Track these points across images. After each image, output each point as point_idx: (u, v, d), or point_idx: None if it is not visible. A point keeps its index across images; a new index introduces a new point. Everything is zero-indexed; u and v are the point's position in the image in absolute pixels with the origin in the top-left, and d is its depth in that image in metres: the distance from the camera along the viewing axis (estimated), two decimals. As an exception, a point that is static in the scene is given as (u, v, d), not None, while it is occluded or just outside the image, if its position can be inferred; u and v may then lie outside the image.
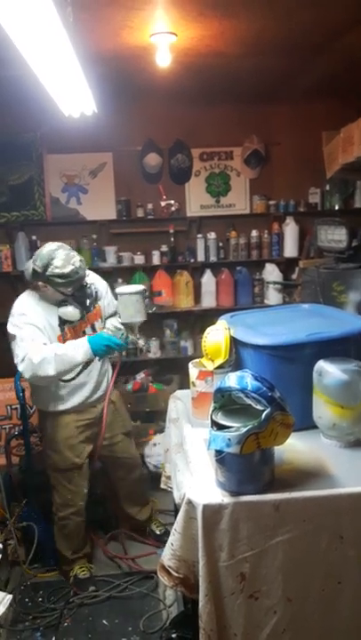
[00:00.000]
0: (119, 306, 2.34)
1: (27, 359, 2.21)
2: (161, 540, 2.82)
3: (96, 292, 2.50)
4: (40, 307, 2.38)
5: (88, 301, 2.44)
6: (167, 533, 2.61)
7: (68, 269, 2.26)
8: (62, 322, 2.40)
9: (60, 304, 2.38)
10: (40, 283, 2.34)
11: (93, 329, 2.54)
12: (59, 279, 2.27)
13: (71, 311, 2.38)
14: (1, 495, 2.63)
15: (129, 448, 2.83)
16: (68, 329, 2.42)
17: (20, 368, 2.26)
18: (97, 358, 2.41)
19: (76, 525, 2.63)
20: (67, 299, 2.37)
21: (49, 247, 2.32)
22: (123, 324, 2.36)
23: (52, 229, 4.20)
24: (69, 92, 2.55)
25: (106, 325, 2.51)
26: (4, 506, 2.61)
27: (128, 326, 2.36)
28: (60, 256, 2.28)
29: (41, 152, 4.10)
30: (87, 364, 2.41)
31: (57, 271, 2.25)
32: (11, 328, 2.32)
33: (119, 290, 2.34)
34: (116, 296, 2.44)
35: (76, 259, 2.32)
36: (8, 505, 2.73)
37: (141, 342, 2.44)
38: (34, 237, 4.15)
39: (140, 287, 2.34)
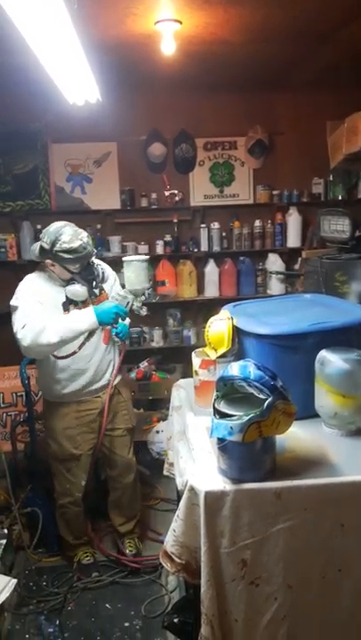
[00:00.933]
0: (126, 273, 2.37)
1: (27, 326, 2.18)
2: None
3: (103, 273, 2.47)
4: (47, 287, 2.37)
5: (95, 282, 2.42)
6: (138, 554, 2.74)
7: (75, 244, 2.26)
8: (68, 302, 2.38)
9: (67, 283, 2.37)
10: (48, 261, 2.33)
11: None
12: (66, 254, 2.26)
13: (79, 289, 2.36)
14: (6, 481, 2.66)
15: (127, 447, 2.74)
16: (73, 310, 2.39)
17: (20, 335, 2.20)
18: (100, 330, 2.43)
19: (74, 514, 2.65)
20: (74, 277, 2.35)
21: (56, 225, 2.32)
22: (128, 291, 2.40)
23: (56, 218, 4.08)
24: (74, 80, 2.54)
25: (111, 295, 2.49)
26: (9, 491, 2.64)
27: (133, 294, 2.41)
28: (67, 232, 2.28)
29: (46, 141, 4.09)
30: (90, 334, 2.40)
31: (65, 246, 2.25)
32: (13, 301, 2.30)
33: (126, 258, 2.40)
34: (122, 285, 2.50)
35: (84, 234, 2.32)
36: (13, 491, 2.76)
37: (144, 311, 2.46)
38: (39, 226, 4.14)
39: (143, 256, 2.43)
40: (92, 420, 2.55)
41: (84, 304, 2.40)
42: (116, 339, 2.55)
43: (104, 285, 2.52)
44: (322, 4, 2.57)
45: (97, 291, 2.45)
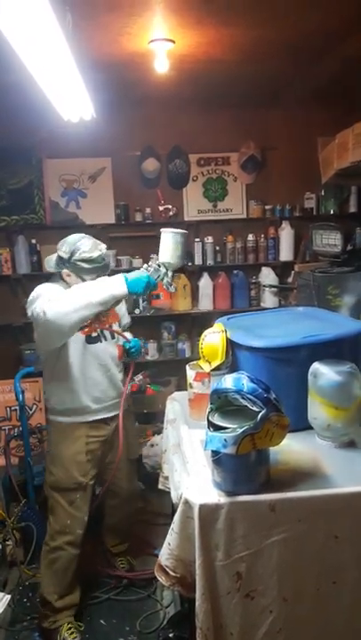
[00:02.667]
0: (164, 244, 2.21)
1: (54, 298, 2.05)
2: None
3: None
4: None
5: None
6: (132, 570, 2.70)
7: (95, 254, 2.25)
8: None
9: None
10: (64, 271, 2.28)
11: (111, 333, 2.43)
12: (85, 264, 2.23)
13: None
14: (0, 496, 2.64)
15: (131, 481, 2.68)
16: (88, 325, 2.29)
17: (45, 306, 1.99)
18: (113, 342, 2.40)
19: (68, 559, 2.35)
20: None
21: (75, 235, 2.30)
22: (162, 263, 2.21)
23: (51, 233, 4.21)
24: (68, 97, 2.57)
25: (143, 266, 2.23)
26: (3, 506, 2.61)
27: (166, 267, 2.22)
28: (86, 242, 2.26)
29: (40, 157, 4.13)
30: (117, 302, 2.23)
31: (85, 255, 2.23)
32: (33, 294, 2.16)
33: (166, 229, 2.23)
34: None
35: (103, 246, 2.31)
36: (7, 505, 2.74)
37: (173, 287, 2.34)
38: (33, 241, 4.18)
39: (183, 231, 2.24)
40: (97, 448, 2.41)
41: (96, 320, 2.32)
42: (127, 358, 2.51)
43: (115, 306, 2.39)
44: (313, 23, 2.63)
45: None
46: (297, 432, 1.68)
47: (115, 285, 2.08)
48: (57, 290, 2.17)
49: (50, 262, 2.34)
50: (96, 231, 4.22)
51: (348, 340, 1.79)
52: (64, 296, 2.07)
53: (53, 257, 2.32)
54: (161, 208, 4.31)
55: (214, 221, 4.44)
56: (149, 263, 2.22)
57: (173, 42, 2.79)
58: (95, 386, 2.37)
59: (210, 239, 4.36)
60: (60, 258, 2.27)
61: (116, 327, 2.49)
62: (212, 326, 1.98)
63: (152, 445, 3.65)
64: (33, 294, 2.18)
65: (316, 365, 1.64)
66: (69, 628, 2.33)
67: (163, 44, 2.78)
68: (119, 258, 4.28)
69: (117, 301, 2.21)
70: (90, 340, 2.35)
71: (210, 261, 4.37)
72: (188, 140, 4.31)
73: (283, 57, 3.14)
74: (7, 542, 2.76)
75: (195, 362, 1.96)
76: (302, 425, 1.69)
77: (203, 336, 1.93)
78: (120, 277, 2.10)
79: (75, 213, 4.29)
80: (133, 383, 4.10)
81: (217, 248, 4.39)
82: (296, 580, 1.41)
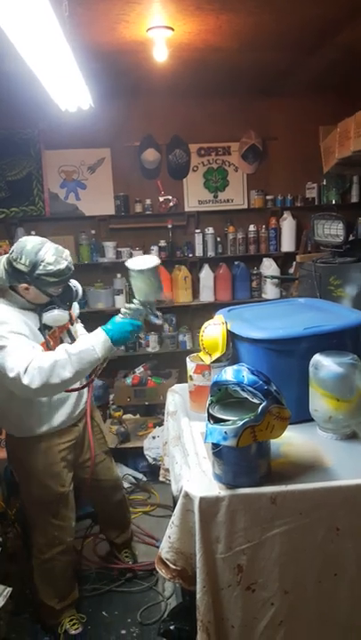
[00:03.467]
0: (137, 283, 2.00)
1: (32, 367, 1.80)
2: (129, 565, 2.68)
3: (76, 291, 2.16)
4: (16, 317, 1.96)
5: (70, 303, 2.13)
6: (135, 562, 2.67)
7: (62, 265, 1.93)
8: (43, 327, 2.04)
9: (42, 308, 2.02)
10: (22, 285, 1.94)
11: (70, 334, 2.20)
12: (51, 278, 1.92)
13: (61, 315, 2.03)
14: (1, 488, 2.63)
15: (111, 470, 2.55)
16: (50, 335, 2.06)
17: (26, 380, 1.79)
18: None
19: (63, 566, 2.27)
20: (54, 300, 2.02)
21: (33, 242, 1.94)
22: (141, 302, 2.03)
23: (50, 225, 4.21)
24: (65, 87, 2.54)
25: (121, 310, 2.05)
26: (4, 499, 2.61)
27: (147, 304, 2.05)
28: (50, 251, 1.92)
29: (39, 148, 4.09)
30: (105, 360, 2.03)
31: (50, 268, 1.90)
32: None
33: (135, 265, 1.96)
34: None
35: (66, 252, 1.99)
36: (8, 498, 2.74)
37: (159, 321, 2.16)
38: (33, 233, 4.14)
39: (155, 259, 2.00)
40: (69, 452, 2.24)
41: (53, 330, 2.10)
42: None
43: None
44: (313, 10, 2.59)
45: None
46: (298, 424, 1.67)
47: (99, 346, 1.91)
48: (23, 343, 1.87)
49: (1, 272, 1.95)
50: (96, 222, 4.24)
51: (350, 332, 1.77)
52: (47, 365, 1.82)
53: (2, 267, 1.95)
54: (161, 199, 4.28)
55: (215, 212, 4.41)
56: (127, 306, 2.04)
57: (172, 29, 2.75)
58: (63, 403, 2.16)
59: (210, 230, 4.33)
60: (15, 271, 1.92)
61: (73, 329, 2.25)
62: (212, 318, 1.96)
63: (153, 437, 3.65)
64: None
65: (317, 357, 1.63)
66: (71, 620, 2.33)
67: (161, 31, 2.74)
68: (119, 249, 4.26)
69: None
70: None
71: (210, 252, 4.35)
72: (188, 130, 4.27)
73: (283, 45, 3.09)
74: (8, 534, 2.76)
75: (195, 354, 1.95)
76: (303, 417, 1.68)
77: (203, 328, 1.91)
78: (101, 335, 1.93)
79: (74, 205, 4.27)
80: (135, 375, 4.09)
81: (218, 239, 4.37)
82: (297, 572, 1.41)
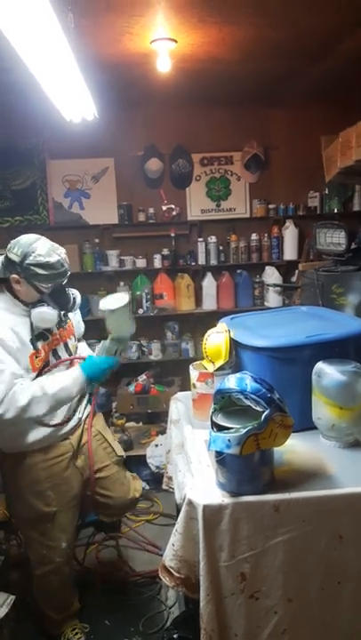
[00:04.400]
0: (111, 322, 2.03)
1: (8, 399, 1.80)
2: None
3: (74, 299, 2.10)
4: (6, 316, 1.93)
5: (66, 308, 2.07)
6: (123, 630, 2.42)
7: (53, 258, 1.90)
8: (36, 337, 1.98)
9: (33, 306, 1.96)
10: (13, 276, 1.92)
11: (67, 348, 2.14)
12: (40, 269, 1.88)
13: (48, 312, 1.95)
14: (3, 496, 2.63)
15: (124, 486, 2.34)
16: (43, 346, 2.00)
17: (0, 409, 1.80)
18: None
19: (58, 582, 2.20)
20: (43, 298, 1.97)
21: (29, 236, 1.96)
22: (115, 338, 2.06)
23: (54, 233, 4.17)
24: (70, 98, 2.58)
25: (96, 349, 2.09)
26: (7, 507, 2.60)
27: (120, 340, 2.09)
28: (43, 244, 1.93)
29: (43, 158, 4.13)
30: (82, 396, 2.10)
31: (40, 259, 1.88)
32: None
33: (107, 305, 1.99)
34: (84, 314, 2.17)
35: (62, 250, 1.98)
36: (11, 506, 2.74)
37: (135, 355, 2.21)
38: (36, 241, 4.18)
39: (126, 297, 2.05)
40: (63, 469, 2.10)
41: (48, 342, 2.04)
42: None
43: (70, 314, 2.18)
44: (314, 21, 2.62)
45: (66, 319, 2.13)
46: (301, 432, 1.68)
47: (74, 384, 1.96)
48: (7, 367, 1.83)
49: None
50: (99, 231, 4.26)
51: (353, 340, 1.78)
52: (22, 402, 1.81)
53: (1, 258, 1.97)
54: (164, 208, 4.31)
55: (218, 221, 4.43)
56: (102, 343, 2.07)
57: (175, 41, 2.79)
58: (50, 417, 2.06)
59: (213, 239, 4.35)
60: (9, 261, 1.92)
61: (72, 343, 2.19)
62: (215, 326, 1.97)
63: (156, 445, 3.65)
64: None
65: (320, 365, 1.64)
66: (73, 629, 2.31)
67: (165, 43, 2.77)
68: (123, 258, 4.28)
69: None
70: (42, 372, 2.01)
71: (213, 261, 4.37)
72: (191, 140, 4.31)
73: (284, 55, 3.13)
74: (11, 543, 2.76)
75: (198, 362, 1.96)
76: (307, 425, 1.69)
77: (206, 336, 1.93)
78: (78, 372, 1.97)
79: (78, 214, 4.30)
80: (137, 383, 4.10)
81: (220, 247, 4.38)
82: (301, 580, 1.41)
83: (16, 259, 1.90)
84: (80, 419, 2.19)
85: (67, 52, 1.98)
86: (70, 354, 2.15)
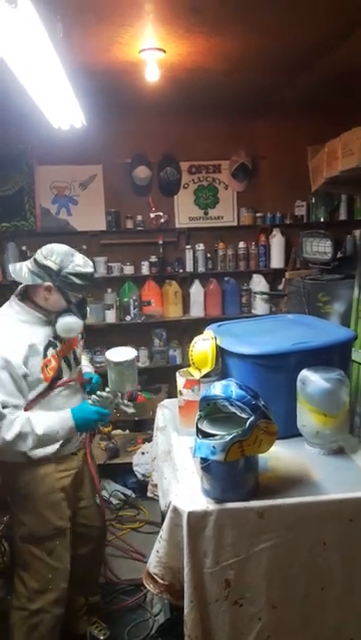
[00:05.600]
0: (112, 374, 1.98)
1: (1, 427, 1.77)
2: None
3: (87, 310, 2.14)
4: (24, 329, 1.90)
5: (86, 317, 2.08)
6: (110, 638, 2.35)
7: (89, 269, 1.95)
8: (48, 344, 1.95)
9: (58, 315, 1.95)
10: (45, 284, 1.90)
11: (75, 356, 2.12)
12: (78, 279, 1.90)
13: (75, 322, 1.96)
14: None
15: (100, 515, 2.28)
16: (52, 355, 1.96)
17: None
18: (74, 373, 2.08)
19: (53, 622, 2.01)
20: (71, 308, 1.97)
21: (62, 246, 1.96)
22: (113, 391, 1.99)
23: (42, 240, 4.13)
24: (58, 105, 2.59)
25: (92, 398, 2.00)
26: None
27: (118, 394, 2.01)
28: (79, 255, 1.96)
29: (31, 164, 4.12)
30: (69, 364, 2.05)
31: (79, 269, 1.91)
32: None
33: (112, 357, 1.96)
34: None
35: (91, 263, 2.02)
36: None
37: (130, 409, 2.09)
38: (24, 248, 4.18)
39: (133, 352, 2.00)
40: (69, 484, 2.06)
41: (57, 350, 1.99)
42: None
43: None
44: (300, 33, 2.66)
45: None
46: (286, 439, 1.69)
47: (62, 428, 1.89)
48: (8, 393, 1.80)
49: (21, 271, 1.93)
50: (87, 238, 4.26)
51: (337, 348, 1.81)
52: (8, 435, 1.77)
53: (24, 265, 1.94)
54: (152, 215, 4.32)
55: (205, 228, 4.46)
56: (99, 394, 1.99)
57: (164, 51, 2.81)
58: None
59: (201, 246, 4.38)
60: (44, 268, 1.89)
61: (78, 351, 2.17)
62: (202, 333, 1.99)
63: (143, 453, 3.64)
64: None
65: (304, 372, 1.65)
66: None
67: (153, 53, 2.80)
68: (110, 264, 4.28)
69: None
70: (54, 384, 1.98)
71: (201, 268, 4.39)
72: (179, 148, 4.34)
73: (271, 66, 3.17)
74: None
75: (185, 369, 1.96)
76: (291, 432, 1.70)
77: (193, 343, 1.94)
78: (69, 422, 1.91)
79: (66, 220, 4.30)
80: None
81: (208, 255, 4.41)
82: (284, 586, 1.42)
83: (54, 266, 1.89)
84: (84, 435, 2.14)
85: (55, 61, 1.99)
86: (78, 363, 2.14)
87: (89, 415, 1.94)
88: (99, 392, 2.01)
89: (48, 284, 1.90)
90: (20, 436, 1.80)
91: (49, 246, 1.97)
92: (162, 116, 4.15)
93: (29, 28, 1.67)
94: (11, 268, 1.98)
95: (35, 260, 1.93)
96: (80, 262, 1.94)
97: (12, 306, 1.95)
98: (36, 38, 1.76)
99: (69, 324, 1.94)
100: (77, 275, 1.91)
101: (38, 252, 1.95)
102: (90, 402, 1.98)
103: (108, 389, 2.00)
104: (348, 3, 2.31)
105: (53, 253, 1.92)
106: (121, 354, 1.98)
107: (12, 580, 2.12)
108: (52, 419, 1.89)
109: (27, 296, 1.97)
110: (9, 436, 1.77)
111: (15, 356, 1.82)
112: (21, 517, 2.00)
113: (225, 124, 4.30)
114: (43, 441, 1.86)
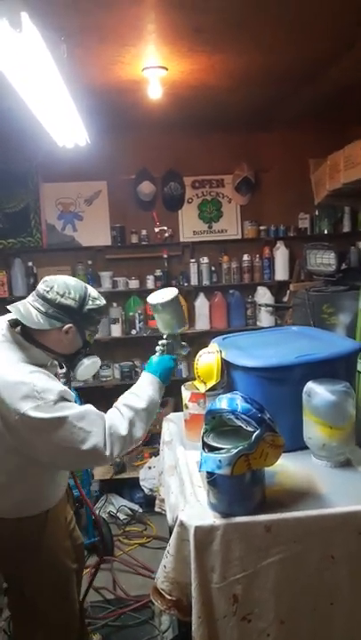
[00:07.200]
0: (164, 317, 1.92)
1: (110, 436, 1.60)
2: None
3: None
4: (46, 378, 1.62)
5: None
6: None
7: (104, 301, 1.79)
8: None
9: (69, 361, 1.77)
10: (67, 327, 1.68)
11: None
12: (97, 315, 1.75)
13: (96, 362, 1.81)
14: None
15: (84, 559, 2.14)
16: None
17: (107, 451, 1.59)
18: None
19: None
20: (89, 347, 1.80)
21: (66, 279, 1.73)
22: (168, 336, 1.95)
23: (48, 255, 4.27)
24: (63, 124, 2.63)
25: (156, 349, 1.94)
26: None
27: (174, 336, 1.98)
28: (89, 287, 1.77)
29: (37, 181, 4.18)
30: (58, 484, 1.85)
31: (98, 302, 1.74)
32: (45, 411, 1.51)
33: (157, 300, 1.88)
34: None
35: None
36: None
37: (187, 349, 2.05)
38: (30, 264, 4.22)
39: (174, 290, 1.93)
40: (69, 520, 1.97)
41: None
42: None
43: None
44: (301, 48, 2.70)
45: None
46: (292, 452, 1.68)
47: (155, 390, 1.79)
48: (83, 407, 1.62)
49: (31, 316, 1.64)
50: (92, 253, 4.30)
51: (343, 360, 1.80)
52: (122, 428, 1.64)
53: (29, 307, 1.67)
54: (157, 230, 4.36)
55: (210, 242, 4.48)
56: (160, 342, 1.95)
57: (166, 69, 2.86)
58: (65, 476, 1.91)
59: (205, 260, 4.40)
60: (62, 308, 1.66)
61: None
62: (207, 346, 1.99)
63: (149, 468, 3.63)
64: (40, 401, 1.52)
65: (310, 385, 1.65)
66: None
67: (156, 71, 2.84)
68: (115, 279, 4.31)
69: None
70: None
71: (206, 281, 4.41)
72: (183, 163, 4.38)
73: (273, 81, 3.21)
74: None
75: (190, 382, 1.97)
76: (297, 445, 1.69)
77: (198, 356, 1.94)
78: (150, 378, 1.82)
79: (71, 236, 4.34)
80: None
81: (212, 268, 4.43)
82: (293, 601, 1.40)
83: (74, 305, 1.68)
84: None
85: (59, 81, 2.04)
86: None
87: (165, 364, 1.86)
88: (159, 342, 1.94)
89: (69, 325, 1.68)
90: (131, 423, 1.66)
91: (59, 281, 1.71)
92: (165, 132, 4.20)
93: (34, 49, 1.71)
94: (13, 310, 1.66)
95: (46, 300, 1.67)
96: (95, 295, 1.76)
97: (17, 350, 1.65)
98: (40, 59, 1.80)
99: (94, 364, 1.80)
100: (98, 310, 1.75)
101: (46, 288, 1.69)
102: (156, 355, 1.91)
103: (165, 336, 1.95)
104: (349, 16, 2.33)
105: (70, 289, 1.69)
106: (165, 294, 1.90)
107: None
108: (141, 389, 1.79)
109: (32, 340, 1.68)
110: (122, 428, 1.63)
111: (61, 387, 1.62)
112: (39, 571, 1.77)
113: (227, 138, 4.34)
114: (150, 412, 1.74)
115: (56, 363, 1.83)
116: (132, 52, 2.61)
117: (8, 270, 4.20)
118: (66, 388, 1.64)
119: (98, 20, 2.23)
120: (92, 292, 1.76)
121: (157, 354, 1.92)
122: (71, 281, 1.73)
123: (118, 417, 1.66)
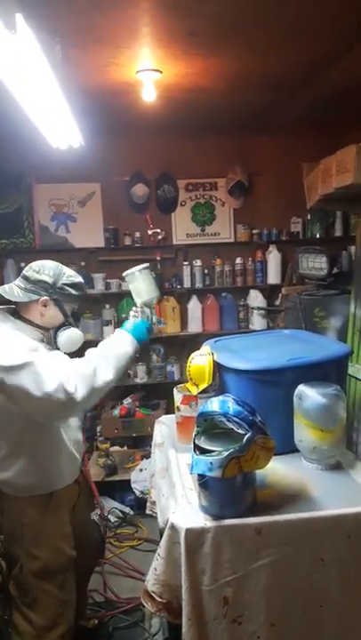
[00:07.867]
0: (137, 286, 2.11)
1: (74, 376, 1.70)
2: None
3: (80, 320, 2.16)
4: (27, 341, 1.81)
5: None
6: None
7: (80, 279, 1.98)
8: None
9: (57, 330, 1.93)
10: (43, 299, 1.87)
11: None
12: (73, 290, 1.92)
13: (78, 334, 1.95)
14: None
15: (94, 531, 2.30)
16: None
17: (70, 388, 1.67)
18: None
19: None
20: (69, 320, 1.96)
21: (48, 261, 1.97)
22: (142, 304, 2.09)
23: (40, 256, 4.11)
24: (56, 126, 2.63)
25: (130, 314, 2.09)
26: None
27: (148, 305, 2.11)
28: (65, 267, 1.98)
29: (30, 182, 4.17)
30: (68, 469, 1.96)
31: (72, 279, 1.93)
32: (16, 358, 1.67)
33: (131, 270, 2.11)
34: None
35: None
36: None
37: (163, 323, 2.20)
38: (22, 264, 4.16)
39: (144, 264, 2.15)
40: (72, 508, 2.04)
41: None
42: None
43: None
44: (296, 53, 2.71)
45: None
46: (283, 455, 1.69)
47: (126, 343, 1.91)
48: (51, 355, 1.78)
49: (12, 291, 1.87)
50: (85, 254, 4.29)
51: (334, 363, 1.82)
52: (88, 371, 1.74)
53: (13, 285, 1.90)
54: (150, 232, 4.36)
55: (203, 245, 4.49)
56: (134, 309, 2.10)
57: (160, 72, 2.87)
58: (79, 443, 2.04)
59: (198, 262, 4.41)
60: (38, 283, 1.87)
61: None
62: (200, 349, 1.99)
63: (141, 470, 3.63)
64: (11, 354, 1.68)
65: (301, 388, 1.66)
66: None
67: (150, 74, 2.85)
68: (108, 281, 4.31)
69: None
70: None
71: (198, 284, 4.41)
72: (176, 166, 4.39)
73: (266, 86, 3.22)
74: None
75: (182, 385, 1.97)
76: (288, 447, 1.70)
77: (190, 359, 1.94)
78: (123, 333, 1.94)
79: (64, 237, 4.33)
80: (122, 406, 4.08)
81: (205, 271, 4.44)
82: (283, 604, 1.41)
83: (49, 280, 1.89)
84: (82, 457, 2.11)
85: (53, 82, 2.04)
86: None
87: (137, 325, 1.99)
88: (134, 308, 2.10)
89: (45, 298, 1.88)
90: (99, 366, 1.77)
91: (37, 262, 1.96)
92: (159, 134, 4.21)
93: (28, 51, 1.71)
94: (0, 290, 1.88)
95: (25, 278, 1.91)
96: (71, 273, 1.97)
97: (7, 322, 1.86)
98: (34, 61, 1.80)
99: (73, 336, 1.93)
100: (72, 285, 1.94)
101: (26, 269, 1.94)
102: (130, 320, 2.03)
103: (138, 303, 2.11)
104: (349, 18, 2.32)
105: (45, 267, 1.92)
106: (137, 266, 2.11)
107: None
108: (112, 340, 1.93)
109: (19, 316, 1.90)
110: (87, 370, 1.74)
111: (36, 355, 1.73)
112: (35, 552, 1.87)
113: (222, 141, 4.36)
114: (119, 357, 1.85)
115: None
116: (126, 55, 2.61)
117: (0, 271, 4.18)
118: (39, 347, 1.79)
119: (92, 21, 2.24)
120: (68, 270, 1.96)
121: (131, 318, 2.05)
122: (49, 262, 1.96)
123: (82, 361, 1.80)
